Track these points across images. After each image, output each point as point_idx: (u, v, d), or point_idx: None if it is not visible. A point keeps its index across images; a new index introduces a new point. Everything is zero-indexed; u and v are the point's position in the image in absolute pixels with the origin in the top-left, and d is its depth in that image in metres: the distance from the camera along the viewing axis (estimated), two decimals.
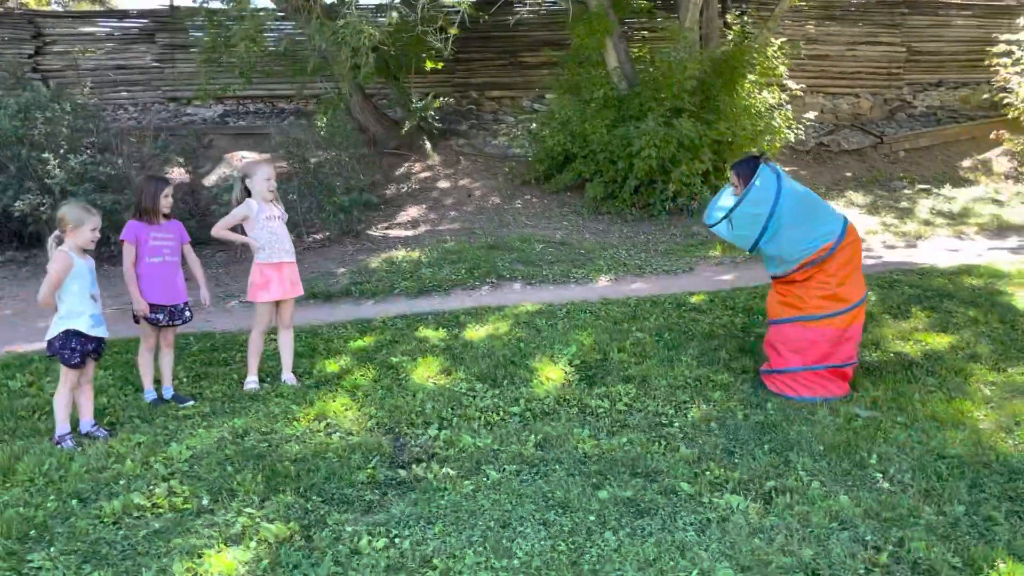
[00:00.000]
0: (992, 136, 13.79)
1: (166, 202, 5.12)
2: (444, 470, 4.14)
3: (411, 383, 5.37)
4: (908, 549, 3.39)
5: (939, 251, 8.88)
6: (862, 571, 3.26)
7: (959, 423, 4.65)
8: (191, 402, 5.12)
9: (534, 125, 12.26)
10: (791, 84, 11.98)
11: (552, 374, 5.45)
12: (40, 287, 4.51)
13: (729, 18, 12.27)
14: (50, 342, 4.54)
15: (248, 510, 3.76)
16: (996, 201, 11.23)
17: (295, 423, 4.75)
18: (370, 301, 7.76)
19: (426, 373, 5.53)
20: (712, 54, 10.88)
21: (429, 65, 12.90)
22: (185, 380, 5.52)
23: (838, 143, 13.93)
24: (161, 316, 5.08)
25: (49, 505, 3.81)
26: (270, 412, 4.92)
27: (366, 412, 4.90)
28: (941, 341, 5.93)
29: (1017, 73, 13.31)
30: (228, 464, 4.22)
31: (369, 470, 4.16)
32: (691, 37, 10.91)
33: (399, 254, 9.21)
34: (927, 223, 10.15)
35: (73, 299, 4.52)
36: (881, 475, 4.07)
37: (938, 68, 15.53)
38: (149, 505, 3.82)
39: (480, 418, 4.79)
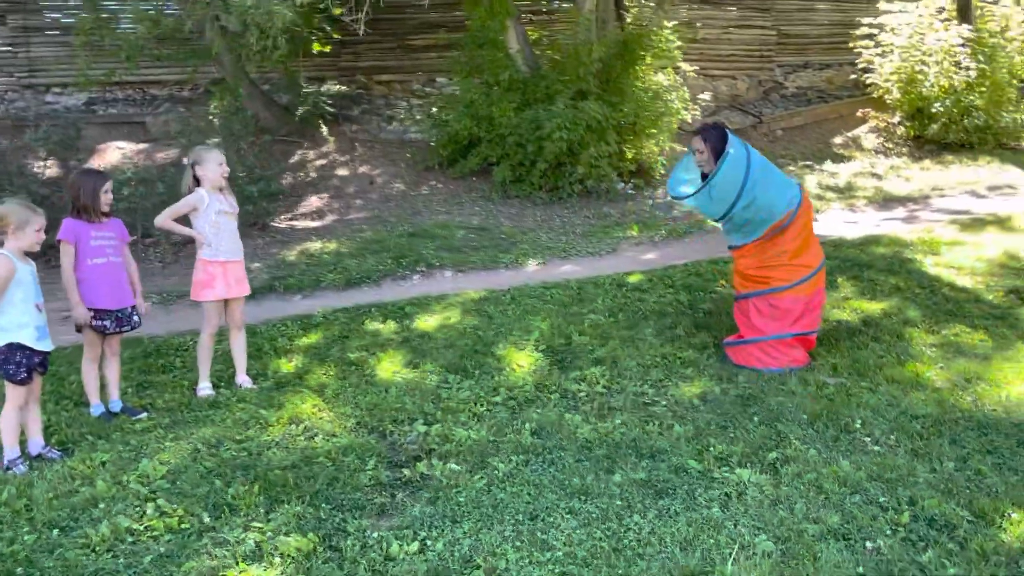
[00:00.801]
0: (859, 114, 14.69)
1: (106, 198, 4.69)
2: (449, 465, 4.02)
3: (379, 379, 5.17)
4: (922, 507, 3.55)
5: (839, 223, 9.38)
6: (888, 532, 3.39)
7: (917, 384, 4.93)
8: (144, 414, 4.74)
9: (434, 109, 12.05)
10: (685, 66, 12.32)
11: (522, 361, 5.39)
12: None
13: (626, 1, 12.45)
14: None
15: (256, 524, 3.52)
16: (874, 175, 11.97)
17: (270, 429, 4.49)
18: (297, 296, 7.43)
19: (391, 367, 5.35)
20: (615, 36, 11.03)
21: (317, 48, 12.45)
22: (129, 391, 5.10)
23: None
24: (108, 323, 4.66)
25: (26, 538, 3.43)
26: (238, 419, 4.62)
27: (342, 412, 4.69)
28: (873, 308, 6.27)
29: (879, 55, 14.20)
30: (214, 477, 3.94)
31: (370, 471, 3.99)
32: (591, 20, 11.01)
33: (315, 246, 8.87)
34: (819, 197, 10.70)
35: (15, 309, 4.07)
36: (869, 439, 4.25)
37: (805, 50, 16.37)
38: (141, 528, 3.50)
39: (465, 410, 4.67)
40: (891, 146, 13.67)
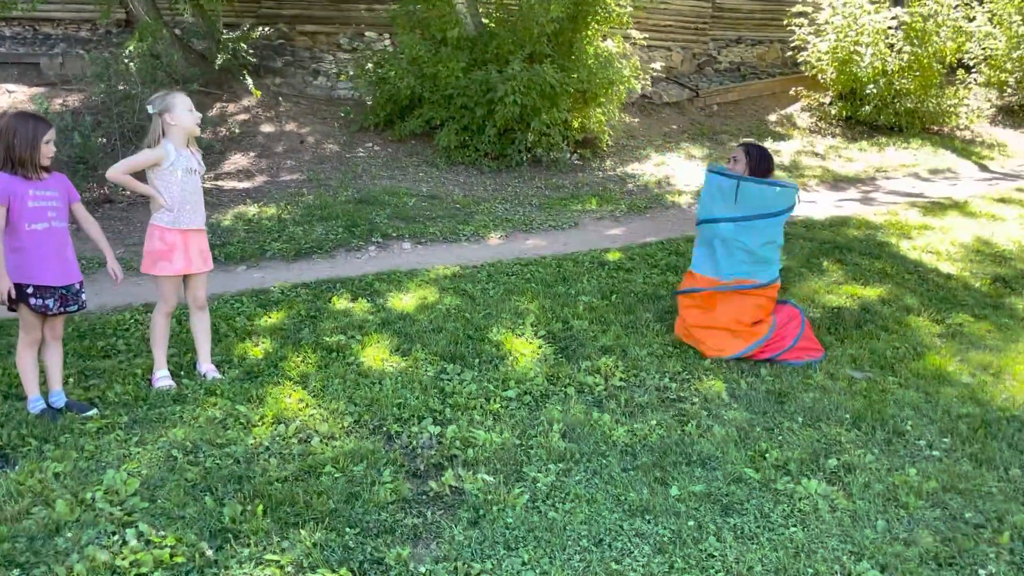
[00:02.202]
0: (791, 92, 14.67)
1: (48, 149, 3.86)
2: (480, 476, 3.48)
3: (367, 368, 4.55)
4: (1015, 524, 3.26)
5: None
6: (992, 556, 3.08)
7: (944, 379, 4.70)
8: (93, 410, 3.98)
9: (370, 65, 11.22)
10: (635, 34, 11.89)
11: (523, 349, 4.86)
12: None
13: None
14: None
15: (270, 557, 2.90)
16: (816, 154, 11.93)
17: (254, 430, 3.82)
18: (241, 267, 6.64)
19: (378, 354, 4.73)
20: None
21: None
22: (70, 381, 4.30)
23: (659, 96, 14.17)
24: (51, 302, 3.86)
25: None
26: (212, 417, 3.93)
27: (334, 408, 4.06)
28: (868, 294, 6.04)
29: (812, 34, 14.17)
30: (202, 493, 3.28)
31: (389, 484, 3.41)
32: None
33: (250, 210, 8.03)
34: None
35: None
36: (922, 442, 3.97)
37: (738, 25, 16.25)
38: (126, 565, 2.82)
39: (476, 407, 4.13)
40: (824, 126, 13.70)
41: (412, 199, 8.62)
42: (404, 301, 5.68)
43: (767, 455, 3.75)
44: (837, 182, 10.37)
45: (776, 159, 11.20)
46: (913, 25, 13.36)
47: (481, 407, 4.15)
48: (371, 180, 9.42)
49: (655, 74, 13.00)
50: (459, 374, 4.52)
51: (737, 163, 5.05)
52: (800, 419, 4.13)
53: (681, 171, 10.67)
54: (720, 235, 4.93)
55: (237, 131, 10.79)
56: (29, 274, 3.77)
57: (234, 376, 4.42)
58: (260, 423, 3.88)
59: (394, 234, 7.46)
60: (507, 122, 9.95)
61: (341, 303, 5.60)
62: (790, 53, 14.90)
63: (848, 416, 4.18)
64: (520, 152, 10.27)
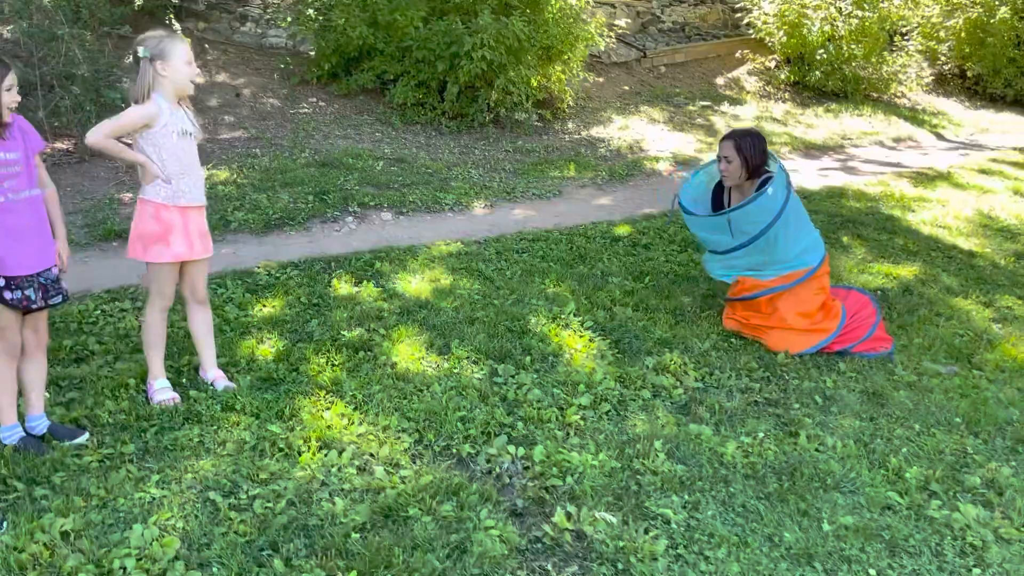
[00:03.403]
0: (738, 55, 14.34)
1: (11, 98, 2.95)
2: (599, 515, 2.87)
3: (404, 370, 3.85)
4: None
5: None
6: None
7: (1018, 368, 4.37)
8: (85, 435, 3.14)
9: (311, 11, 10.16)
10: None
11: (574, 343, 4.25)
12: None
13: None
14: None
15: None
16: (775, 119, 11.64)
17: (300, 458, 3.09)
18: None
19: (410, 352, 4.02)
20: None
21: None
22: (44, 396, 3.41)
23: (608, 55, 13.59)
24: (32, 293, 2.98)
25: None
26: (240, 441, 3.17)
27: (385, 425, 3.36)
28: (903, 273, 5.68)
29: None
30: (266, 555, 2.55)
31: (494, 532, 2.76)
32: None
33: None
34: None
35: None
36: None
37: None
38: None
39: (551, 418, 3.51)
40: (772, 90, 13.44)
41: (379, 162, 7.78)
42: (414, 284, 4.95)
43: (902, 473, 3.28)
44: (808, 149, 10.09)
45: (736, 124, 10.86)
46: None
47: (557, 419, 3.52)
48: (324, 140, 8.51)
49: (626, 32, 12.38)
50: (513, 376, 3.88)
51: (731, 163, 4.38)
52: (914, 424, 3.68)
53: (648, 135, 10.16)
54: (751, 251, 4.38)
55: None
56: (5, 261, 2.88)
57: (249, 384, 3.64)
58: (304, 448, 3.15)
59: (371, 203, 6.65)
60: (471, 79, 9.16)
61: (343, 287, 4.83)
62: (739, 15, 14.53)
63: (959, 420, 3.77)
64: (482, 112, 9.51)
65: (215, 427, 3.25)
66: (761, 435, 3.50)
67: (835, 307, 4.49)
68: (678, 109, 11.76)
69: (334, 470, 3.05)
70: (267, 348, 3.99)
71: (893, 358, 4.37)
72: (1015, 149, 10.53)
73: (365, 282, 4.90)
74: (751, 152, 4.38)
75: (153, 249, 3.46)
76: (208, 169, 7.12)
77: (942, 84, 15.49)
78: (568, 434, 3.41)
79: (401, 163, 7.95)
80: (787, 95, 13.30)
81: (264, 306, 4.51)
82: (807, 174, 8.75)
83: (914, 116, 12.56)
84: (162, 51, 3.35)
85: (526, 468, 3.18)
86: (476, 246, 5.73)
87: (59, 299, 3.06)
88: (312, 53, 10.19)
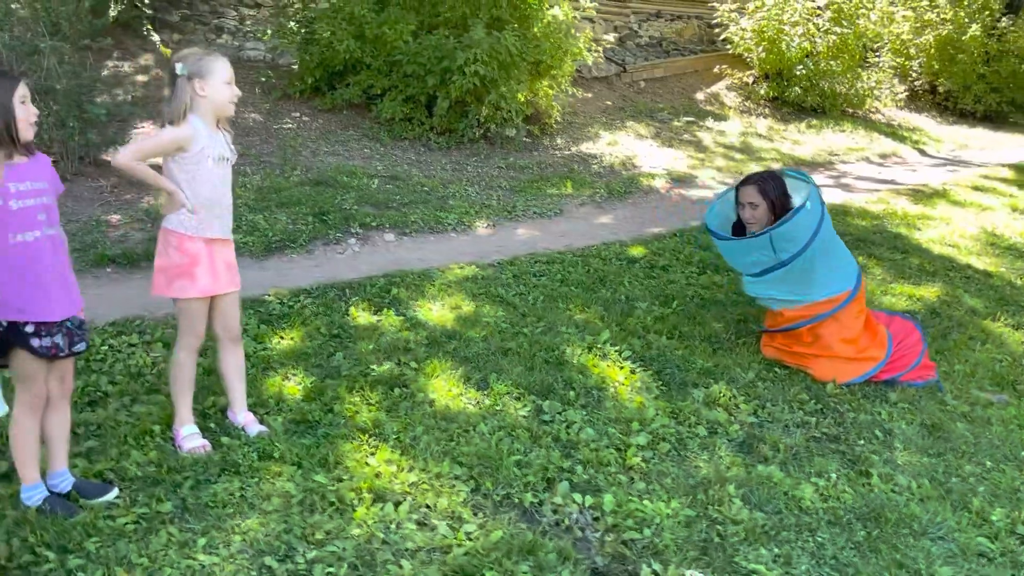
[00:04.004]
0: (716, 70, 14.33)
1: (29, 114, 2.64)
2: (688, 573, 2.66)
3: (443, 408, 3.60)
4: None
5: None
6: None
7: None
8: (114, 492, 2.84)
9: (293, 24, 9.86)
10: (584, 1, 11.06)
11: (616, 376, 4.04)
12: None
13: None
14: None
15: None
16: (760, 136, 11.60)
17: (354, 514, 2.82)
18: None
19: (447, 388, 3.78)
20: None
21: None
22: None
23: (589, 70, 13.47)
24: (60, 340, 2.67)
25: None
26: (285, 495, 2.89)
27: (438, 472, 3.11)
28: (926, 294, 5.59)
29: (736, 11, 13.89)
30: None
31: None
32: None
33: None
34: (729, 158, 10.08)
35: None
36: None
37: None
38: None
39: (610, 461, 3.29)
40: (752, 106, 13.44)
41: (374, 180, 7.51)
42: (435, 312, 4.70)
43: (987, 515, 3.13)
44: (798, 166, 10.03)
45: (727, 140, 10.81)
46: (842, 7, 13.27)
47: (617, 461, 3.30)
48: (313, 157, 8.20)
49: (607, 46, 12.27)
50: (560, 413, 3.65)
51: (757, 208, 4.25)
52: (983, 460, 3.54)
53: (639, 151, 10.02)
54: (789, 275, 4.22)
55: (138, 94, 9.20)
56: (28, 307, 2.58)
57: (282, 427, 3.35)
58: (356, 501, 2.88)
59: (373, 224, 6.38)
60: (462, 94, 8.94)
61: (362, 316, 4.56)
62: (716, 30, 14.53)
63: None
64: (472, 128, 9.29)
65: (255, 479, 2.97)
66: (833, 476, 3.32)
67: (880, 332, 4.35)
68: (664, 124, 11.67)
69: (392, 526, 2.79)
70: (294, 386, 3.71)
71: (942, 387, 4.23)
72: (1003, 166, 10.61)
73: (385, 310, 4.63)
74: (776, 195, 4.25)
75: (177, 284, 3.17)
76: None
77: (913, 100, 15.68)
78: (632, 479, 3.20)
79: (396, 180, 7.69)
80: (767, 110, 13.30)
81: (282, 338, 4.22)
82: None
83: (894, 132, 12.64)
84: (201, 69, 3.08)
85: (596, 519, 2.95)
86: (491, 270, 5.49)
87: (83, 346, 2.76)
88: (295, 66, 9.88)
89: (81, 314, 2.75)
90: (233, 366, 3.37)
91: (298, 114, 9.52)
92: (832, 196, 8.44)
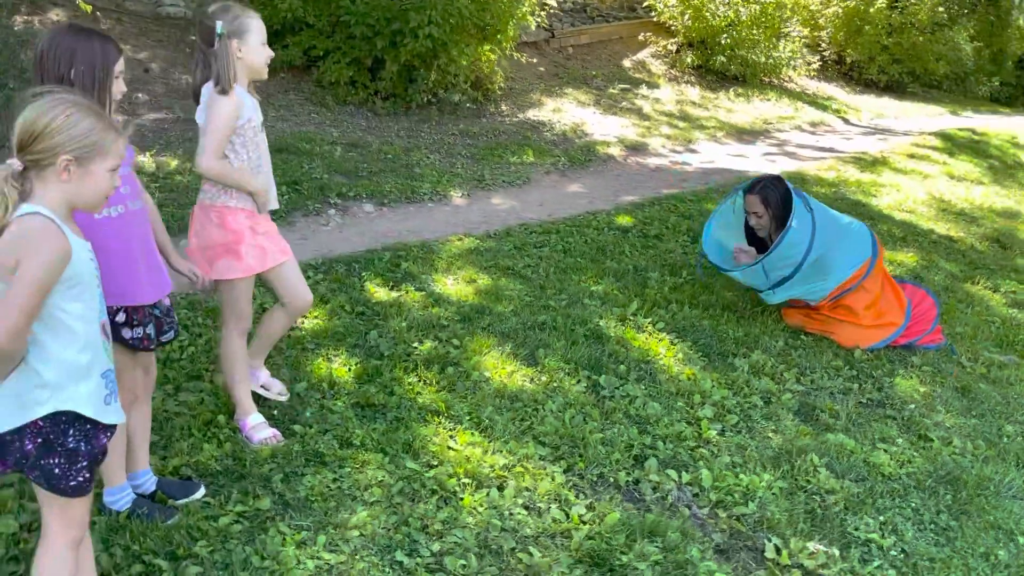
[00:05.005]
0: (640, 38, 14.41)
1: (119, 87, 2.37)
2: (812, 546, 2.67)
3: (500, 386, 3.48)
4: None
5: (727, 158, 8.91)
6: None
7: None
8: (201, 490, 2.61)
9: None
10: None
11: (656, 347, 4.02)
12: None
13: None
14: (8, 440, 1.82)
15: None
16: (695, 104, 11.76)
17: (463, 502, 2.69)
18: (182, 240, 5.03)
19: (499, 366, 3.66)
20: None
21: None
22: None
23: (519, 35, 13.29)
24: (150, 330, 2.41)
25: None
26: (383, 484, 2.73)
27: (525, 454, 3.02)
28: (906, 260, 5.80)
29: None
30: None
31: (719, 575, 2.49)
32: None
33: (143, 161, 6.23)
34: (673, 126, 10.18)
35: (66, 340, 1.83)
36: None
37: None
38: None
39: (688, 436, 3.27)
40: (678, 73, 13.59)
41: (335, 148, 7.18)
42: (451, 285, 4.54)
43: None
44: (740, 134, 10.24)
45: (666, 108, 10.90)
46: None
47: (693, 436, 3.27)
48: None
49: (550, 10, 12.09)
50: (619, 388, 3.59)
51: (761, 217, 4.34)
52: (1020, 419, 3.70)
53: (586, 119, 9.98)
54: (803, 279, 4.23)
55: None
56: (115, 289, 2.30)
57: (340, 409, 3.15)
58: (458, 488, 2.74)
59: (350, 194, 6.11)
60: (412, 58, 8.64)
61: (380, 292, 4.35)
62: None
63: None
64: (421, 93, 9.01)
65: (345, 468, 2.79)
66: (900, 441, 3.39)
67: (900, 295, 4.46)
68: (601, 92, 11.66)
69: (505, 512, 2.67)
70: (342, 368, 3.50)
71: (955, 350, 4.40)
72: (926, 134, 11.12)
73: (405, 286, 4.43)
74: (778, 204, 4.28)
75: (220, 264, 2.90)
76: (151, 157, 6.32)
77: (822, 70, 16.21)
78: (714, 452, 3.18)
79: (356, 148, 7.38)
80: (693, 78, 13.47)
81: (305, 316, 3.97)
82: (755, 160, 8.86)
83: (814, 101, 13.06)
84: (239, 28, 2.81)
85: (695, 495, 2.92)
86: (491, 241, 5.35)
87: (172, 334, 2.50)
88: None
89: (166, 298, 2.48)
90: (282, 329, 3.15)
91: None
92: (784, 164, 8.66)
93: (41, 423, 1.80)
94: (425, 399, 3.29)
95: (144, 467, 2.55)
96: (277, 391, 3.23)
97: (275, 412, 3.11)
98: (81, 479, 1.85)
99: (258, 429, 2.94)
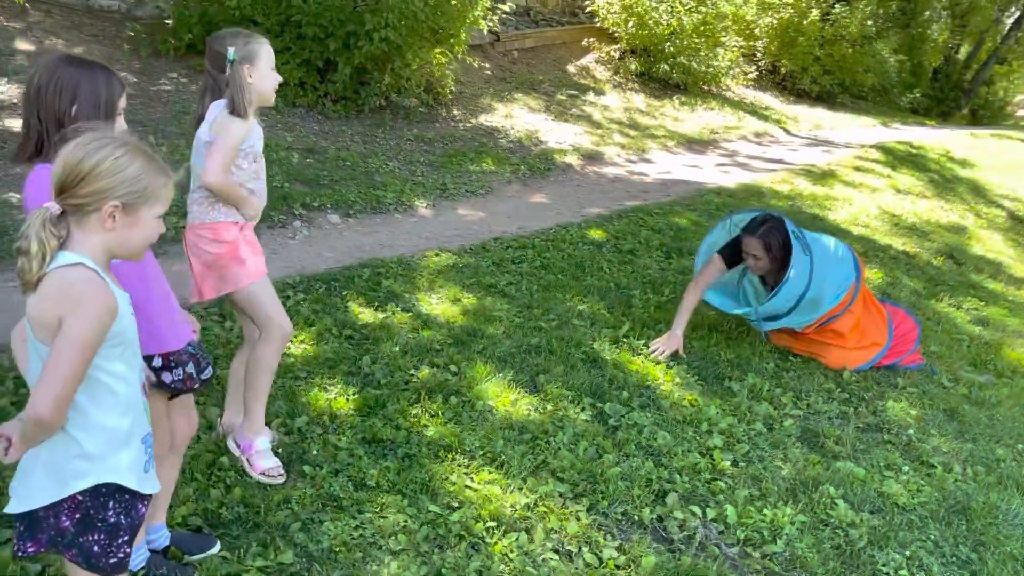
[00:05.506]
0: (584, 43, 14.45)
1: (120, 124, 2.17)
2: None
3: (506, 415, 3.37)
4: None
5: (682, 168, 8.96)
6: None
7: None
8: (216, 544, 2.41)
9: None
10: None
11: (654, 371, 3.96)
12: (43, 383, 1.53)
13: None
14: (41, 516, 1.62)
15: None
16: (641, 111, 11.82)
17: (493, 548, 2.57)
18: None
19: (501, 394, 3.54)
20: None
21: None
22: None
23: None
24: (192, 367, 2.20)
25: None
26: (407, 529, 2.58)
27: (546, 492, 2.91)
28: (870, 276, 5.90)
29: None
30: None
31: None
32: None
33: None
34: (625, 135, 10.19)
35: (108, 404, 1.65)
36: None
37: None
38: None
39: (703, 469, 3.21)
40: (621, 80, 13.67)
41: (292, 154, 6.93)
42: (436, 305, 4.40)
43: None
44: (690, 144, 10.33)
45: (615, 116, 10.93)
46: None
47: (708, 468, 3.22)
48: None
49: (503, 15, 11.96)
50: (624, 416, 3.52)
51: (759, 260, 4.26)
52: (1013, 444, 3.77)
53: (539, 126, 9.92)
54: (797, 314, 4.26)
55: None
56: (154, 336, 2.10)
57: (351, 449, 2.99)
58: (485, 533, 2.62)
59: (314, 204, 5.89)
60: (365, 60, 8.42)
61: (365, 312, 4.18)
62: (583, 1, 14.60)
63: None
64: (374, 97, 8.79)
65: (366, 513, 2.63)
66: (906, 469, 3.41)
67: (881, 311, 4.51)
68: (549, 98, 11.61)
69: (538, 559, 2.56)
70: (340, 399, 3.32)
71: (935, 371, 4.47)
72: (866, 146, 11.41)
73: (390, 306, 4.27)
74: (779, 248, 4.19)
75: (230, 275, 2.75)
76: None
77: (758, 80, 16.55)
78: (731, 485, 3.12)
79: (313, 153, 7.14)
80: (636, 86, 13.57)
81: (291, 341, 3.77)
82: (709, 171, 8.93)
83: (755, 111, 13.29)
84: (249, 53, 2.69)
85: (721, 532, 2.86)
86: (468, 256, 5.21)
87: (210, 370, 2.29)
88: (167, 20, 8.91)
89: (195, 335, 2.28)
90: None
91: (175, 75, 8.61)
92: (738, 176, 8.75)
93: (80, 497, 1.61)
94: (433, 433, 3.15)
95: (160, 521, 2.34)
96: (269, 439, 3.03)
97: (279, 451, 2.92)
98: (122, 555, 1.66)
99: (262, 456, 2.77)
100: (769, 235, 4.22)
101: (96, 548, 1.63)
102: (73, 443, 1.60)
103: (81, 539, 1.62)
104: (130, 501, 1.69)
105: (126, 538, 1.67)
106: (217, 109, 2.66)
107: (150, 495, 1.75)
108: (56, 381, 1.50)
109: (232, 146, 2.59)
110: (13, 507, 1.62)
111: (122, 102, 2.14)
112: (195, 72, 8.72)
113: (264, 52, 2.71)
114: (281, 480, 2.76)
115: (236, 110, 2.60)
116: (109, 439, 1.63)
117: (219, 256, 2.73)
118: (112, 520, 1.65)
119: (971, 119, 22.24)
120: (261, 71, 2.68)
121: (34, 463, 1.61)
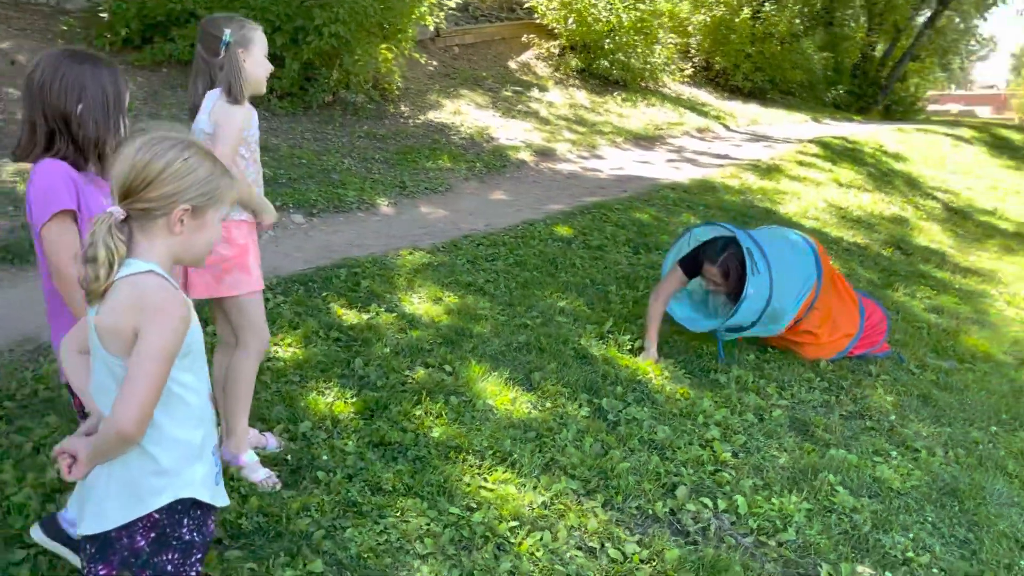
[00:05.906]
0: (524, 39, 14.48)
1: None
2: (859, 569, 2.71)
3: (506, 414, 3.35)
4: None
5: (633, 164, 9.05)
6: None
7: (999, 363, 4.86)
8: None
9: None
10: None
11: (645, 368, 3.99)
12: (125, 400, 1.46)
13: None
14: (114, 537, 1.55)
15: None
16: (586, 108, 11.89)
17: (519, 547, 2.56)
18: None
19: (499, 393, 3.52)
20: None
21: None
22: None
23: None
24: None
25: None
26: (431, 532, 2.55)
27: (559, 490, 2.91)
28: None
29: None
30: None
31: None
32: None
33: (11, 169, 5.63)
34: (573, 131, 10.25)
35: (185, 413, 1.58)
36: None
37: None
38: None
39: (706, 461, 3.26)
40: (562, 76, 13.74)
41: None
42: (418, 304, 4.35)
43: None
44: (637, 140, 10.45)
45: (561, 112, 10.98)
46: None
47: (710, 459, 3.26)
48: (143, 120, 7.19)
49: (450, 12, 11.86)
50: (621, 411, 3.54)
51: (719, 285, 4.30)
52: (989, 427, 3.94)
53: (488, 123, 9.89)
54: (759, 327, 4.31)
55: None
56: None
57: (360, 452, 2.94)
58: (509, 534, 2.60)
59: (276, 203, 5.74)
60: (314, 56, 8.27)
61: (349, 314, 4.11)
62: None
63: (1005, 416, 4.09)
64: (323, 93, 8.64)
65: (388, 518, 2.58)
66: (894, 454, 3.52)
67: (851, 293, 4.59)
68: (494, 94, 11.59)
69: (565, 557, 2.55)
70: (339, 402, 3.26)
71: (903, 359, 4.62)
72: (804, 141, 11.71)
73: (373, 306, 4.20)
74: (737, 270, 4.18)
75: (229, 279, 2.69)
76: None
77: (693, 77, 16.84)
78: (736, 476, 3.17)
79: (266, 151, 6.96)
80: (577, 82, 13.66)
81: (278, 346, 3.68)
82: (660, 167, 9.05)
83: (695, 107, 13.52)
84: (244, 38, 2.62)
85: (733, 523, 2.90)
86: (442, 255, 5.17)
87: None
88: (102, 13, 8.57)
89: None
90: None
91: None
92: (689, 172, 8.89)
93: (156, 515, 1.54)
94: (440, 434, 3.11)
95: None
96: (274, 446, 2.95)
97: (288, 458, 2.85)
98: (194, 574, 1.59)
99: (253, 470, 2.71)
100: (728, 262, 4.20)
101: (170, 568, 1.57)
102: (148, 458, 1.53)
103: (155, 559, 1.55)
104: (202, 517, 1.62)
105: (199, 555, 1.61)
106: (213, 98, 2.57)
107: (218, 509, 1.69)
108: (139, 394, 1.43)
109: (235, 135, 2.53)
110: (90, 527, 1.53)
111: (127, 95, 2.07)
112: (133, 68, 8.42)
113: (258, 38, 2.65)
114: (277, 489, 2.68)
115: (232, 94, 2.52)
116: (184, 453, 1.57)
117: (225, 259, 2.65)
118: (187, 538, 1.59)
119: (884, 115, 23.05)
120: (255, 57, 2.62)
121: (105, 481, 1.53)
